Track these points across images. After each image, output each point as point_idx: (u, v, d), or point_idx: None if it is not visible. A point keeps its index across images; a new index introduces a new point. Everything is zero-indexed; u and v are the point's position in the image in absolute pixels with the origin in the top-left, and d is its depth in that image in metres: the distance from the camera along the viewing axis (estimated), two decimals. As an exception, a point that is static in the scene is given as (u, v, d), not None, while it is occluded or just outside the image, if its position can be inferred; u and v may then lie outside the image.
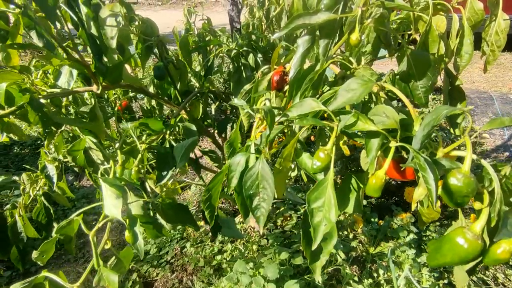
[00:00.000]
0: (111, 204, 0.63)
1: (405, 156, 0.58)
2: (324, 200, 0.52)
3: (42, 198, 1.38)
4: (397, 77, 0.67)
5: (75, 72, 0.95)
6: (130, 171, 0.73)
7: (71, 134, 1.59)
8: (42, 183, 1.37)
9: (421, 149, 0.48)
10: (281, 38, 0.87)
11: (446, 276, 1.61)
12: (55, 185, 1.33)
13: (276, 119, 0.62)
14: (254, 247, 1.70)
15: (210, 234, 1.83)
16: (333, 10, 0.55)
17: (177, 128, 0.89)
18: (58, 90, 0.88)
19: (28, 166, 1.45)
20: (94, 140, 0.72)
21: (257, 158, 0.53)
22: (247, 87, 0.84)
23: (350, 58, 0.63)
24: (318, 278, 0.67)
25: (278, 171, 0.56)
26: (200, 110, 1.24)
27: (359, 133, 0.58)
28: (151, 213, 0.75)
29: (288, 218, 1.91)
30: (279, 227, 1.86)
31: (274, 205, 1.99)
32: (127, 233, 0.65)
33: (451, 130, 0.86)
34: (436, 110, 0.48)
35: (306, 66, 0.68)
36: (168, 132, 0.83)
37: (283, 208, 1.94)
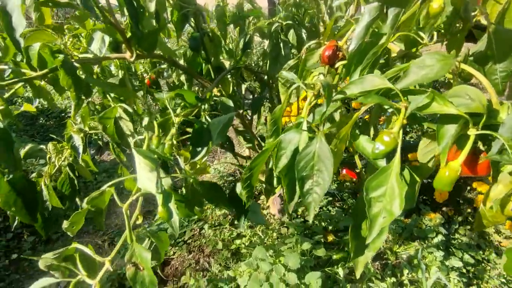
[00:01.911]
0: (145, 177, 0.59)
1: (481, 147, 0.50)
2: (385, 190, 0.46)
3: (67, 168, 1.38)
4: (471, 58, 0.58)
5: (107, 38, 0.91)
6: (163, 145, 0.69)
7: (97, 107, 1.57)
8: (68, 153, 1.37)
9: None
10: (337, 8, 0.79)
11: (475, 282, 1.52)
12: (81, 156, 1.33)
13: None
14: (274, 234, 1.66)
15: (231, 217, 1.79)
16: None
17: (206, 105, 0.83)
18: (90, 56, 0.84)
19: (54, 136, 1.44)
20: (128, 108, 0.67)
21: (310, 138, 0.47)
22: (291, 62, 0.77)
23: (420, 33, 0.55)
24: (358, 275, 0.61)
25: (333, 154, 0.50)
26: (231, 87, 1.18)
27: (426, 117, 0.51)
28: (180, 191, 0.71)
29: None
30: (299, 216, 1.81)
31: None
32: (160, 209, 0.61)
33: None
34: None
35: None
36: (202, 106, 0.78)
37: (305, 197, 1.89)
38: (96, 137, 1.53)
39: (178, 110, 0.72)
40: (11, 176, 0.68)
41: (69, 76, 0.68)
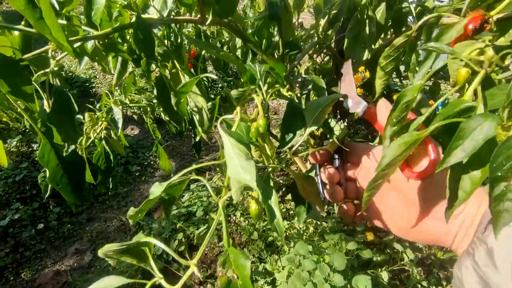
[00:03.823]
0: (240, 167, 0.47)
1: None
2: None
3: (103, 142, 1.30)
4: None
5: (170, 0, 0.79)
6: (247, 128, 0.57)
7: (136, 78, 1.47)
8: (103, 125, 1.28)
9: None
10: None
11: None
12: (120, 131, 1.24)
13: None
14: (311, 228, 1.56)
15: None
16: None
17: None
18: (155, 17, 0.73)
19: (91, 106, 1.35)
20: (213, 76, 0.56)
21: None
22: (399, 40, 0.64)
23: None
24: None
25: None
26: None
27: None
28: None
29: (348, 204, 1.75)
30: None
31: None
32: (254, 207, 0.50)
33: None
34: None
35: None
36: (288, 86, 0.66)
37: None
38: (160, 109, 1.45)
39: (265, 88, 0.61)
40: (70, 149, 0.59)
41: (142, 35, 0.57)
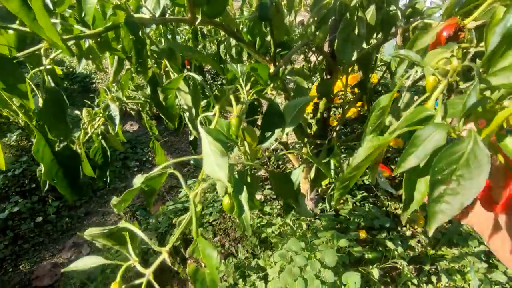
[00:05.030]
0: (214, 163, 0.50)
1: None
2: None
3: (100, 138, 1.33)
4: None
5: (162, 1, 0.81)
6: (227, 125, 0.60)
7: (133, 74, 1.49)
8: (101, 121, 1.31)
9: None
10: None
11: (519, 299, 1.42)
12: (117, 127, 1.26)
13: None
14: (304, 225, 1.58)
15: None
16: None
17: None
18: (146, 16, 0.74)
19: (89, 102, 1.38)
20: (196, 77, 0.57)
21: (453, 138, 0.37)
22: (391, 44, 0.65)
23: None
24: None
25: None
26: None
27: None
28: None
29: (342, 202, 1.77)
30: (331, 209, 1.73)
31: (328, 185, 1.84)
32: (226, 201, 0.52)
33: None
34: None
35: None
36: (271, 85, 0.68)
37: (338, 190, 1.79)
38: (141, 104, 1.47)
39: (247, 87, 0.63)
40: (62, 144, 0.61)
41: (131, 35, 0.59)
